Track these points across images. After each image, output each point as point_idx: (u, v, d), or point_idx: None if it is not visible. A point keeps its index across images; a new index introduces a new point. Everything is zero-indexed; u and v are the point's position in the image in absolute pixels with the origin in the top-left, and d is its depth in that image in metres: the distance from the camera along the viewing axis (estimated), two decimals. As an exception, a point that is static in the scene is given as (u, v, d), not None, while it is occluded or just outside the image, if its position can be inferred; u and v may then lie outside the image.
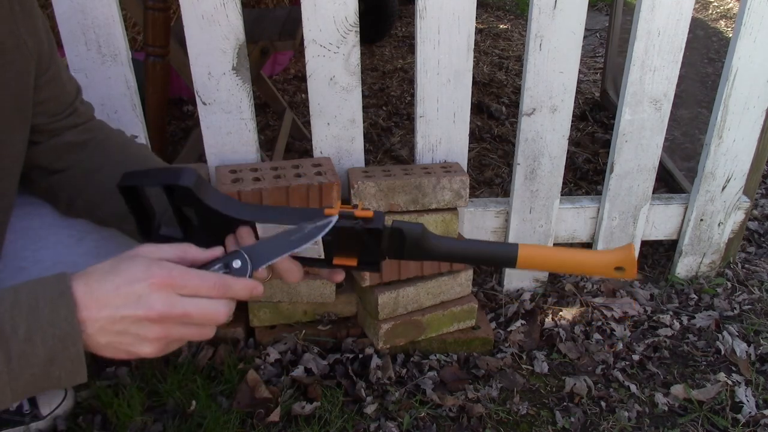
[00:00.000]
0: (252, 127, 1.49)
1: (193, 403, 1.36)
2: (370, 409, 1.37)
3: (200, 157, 1.80)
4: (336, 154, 1.54)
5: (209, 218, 0.77)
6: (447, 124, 1.55)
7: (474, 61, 1.74)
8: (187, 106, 2.83)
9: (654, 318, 1.67)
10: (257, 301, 1.50)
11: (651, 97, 1.58)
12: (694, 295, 1.76)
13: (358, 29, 1.41)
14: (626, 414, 1.39)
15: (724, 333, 1.61)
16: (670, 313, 1.69)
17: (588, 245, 1.83)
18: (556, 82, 1.53)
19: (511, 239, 1.73)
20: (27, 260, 0.96)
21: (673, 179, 2.12)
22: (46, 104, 0.91)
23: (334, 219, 0.72)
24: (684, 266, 1.83)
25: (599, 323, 1.64)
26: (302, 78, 3.27)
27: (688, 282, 1.82)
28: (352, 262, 0.76)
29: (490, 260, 0.78)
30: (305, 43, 1.41)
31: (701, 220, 1.76)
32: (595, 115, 2.86)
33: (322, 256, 0.76)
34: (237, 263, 0.68)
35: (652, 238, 1.81)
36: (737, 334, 1.61)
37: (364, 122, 1.65)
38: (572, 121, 1.61)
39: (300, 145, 2.53)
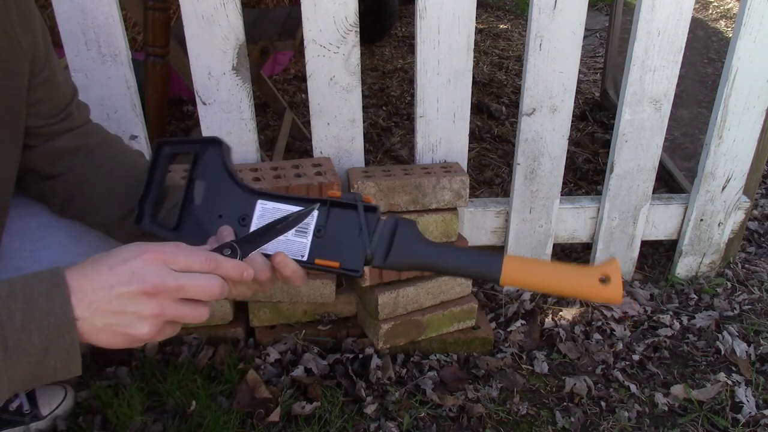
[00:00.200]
0: (252, 127, 1.49)
1: (193, 403, 1.36)
2: (370, 409, 1.37)
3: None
4: (336, 154, 1.54)
5: (217, 194, 0.81)
6: (447, 124, 1.55)
7: (474, 61, 1.74)
8: (187, 106, 2.83)
9: (654, 318, 1.67)
10: (257, 301, 1.50)
11: (651, 97, 1.58)
12: (694, 295, 1.76)
13: (358, 29, 1.41)
14: (626, 414, 1.39)
15: (724, 333, 1.61)
16: (670, 313, 1.69)
17: (588, 245, 1.84)
18: (556, 82, 1.53)
19: (511, 239, 1.73)
20: (25, 260, 0.96)
21: (673, 179, 2.12)
22: (40, 105, 0.90)
23: (317, 206, 0.77)
24: (684, 266, 1.83)
25: (599, 323, 1.64)
26: (302, 78, 3.27)
27: (688, 282, 1.82)
28: (335, 264, 0.77)
29: (474, 273, 0.77)
30: (305, 43, 1.41)
31: (701, 220, 1.76)
32: (595, 115, 2.86)
33: (305, 258, 0.77)
34: (227, 251, 0.71)
35: (652, 238, 1.81)
36: (737, 334, 1.61)
37: (364, 122, 1.65)
38: (572, 121, 1.61)
39: (300, 145, 2.53)
